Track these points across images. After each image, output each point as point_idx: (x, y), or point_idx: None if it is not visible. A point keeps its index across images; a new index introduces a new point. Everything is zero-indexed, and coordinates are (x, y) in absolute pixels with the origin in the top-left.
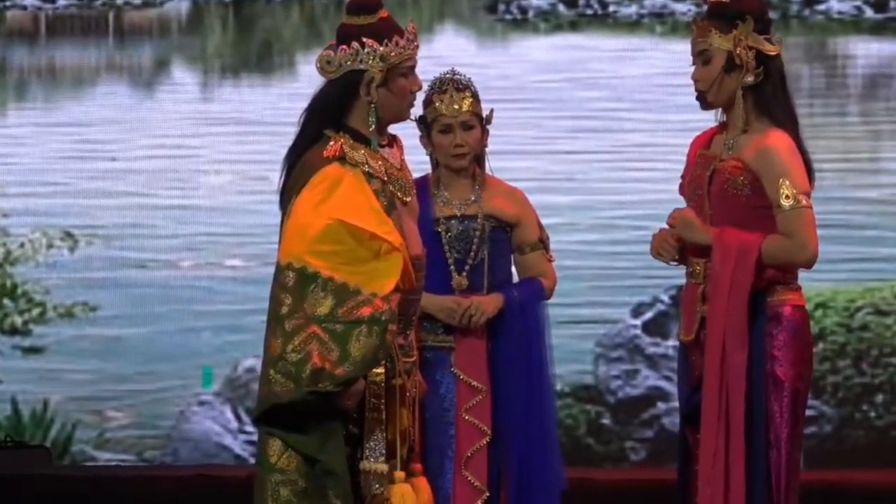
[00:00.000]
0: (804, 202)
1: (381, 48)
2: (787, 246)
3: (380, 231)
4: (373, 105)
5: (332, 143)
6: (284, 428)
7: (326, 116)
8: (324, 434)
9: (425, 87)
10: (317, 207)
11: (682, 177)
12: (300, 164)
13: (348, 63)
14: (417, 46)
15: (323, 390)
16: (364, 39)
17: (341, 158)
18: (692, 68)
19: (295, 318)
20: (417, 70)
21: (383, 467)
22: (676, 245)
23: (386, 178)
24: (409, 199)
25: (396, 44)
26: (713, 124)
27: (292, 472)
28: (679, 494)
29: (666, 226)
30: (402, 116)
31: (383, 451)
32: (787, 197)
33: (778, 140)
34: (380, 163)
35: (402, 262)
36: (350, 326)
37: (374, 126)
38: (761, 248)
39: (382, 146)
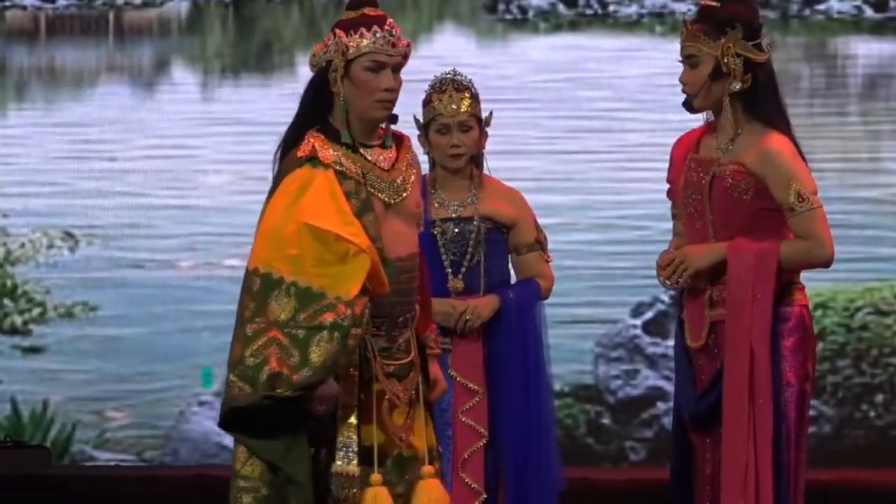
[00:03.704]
0: (816, 203)
1: (345, 39)
2: (807, 248)
3: (344, 233)
4: (341, 98)
5: (304, 142)
6: (250, 434)
7: (310, 113)
8: (288, 443)
9: (426, 86)
10: (285, 211)
11: (671, 181)
12: (280, 164)
13: (323, 56)
14: (394, 45)
15: (280, 395)
16: (337, 31)
17: (313, 158)
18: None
19: (256, 322)
20: (416, 70)
21: (354, 470)
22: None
23: (362, 179)
24: (397, 199)
25: (361, 35)
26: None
27: (255, 479)
28: (677, 495)
29: (661, 251)
30: (368, 114)
31: (355, 453)
32: (800, 199)
33: (779, 143)
34: (357, 163)
35: (370, 264)
36: (311, 332)
37: (345, 121)
38: (780, 255)
39: (371, 146)
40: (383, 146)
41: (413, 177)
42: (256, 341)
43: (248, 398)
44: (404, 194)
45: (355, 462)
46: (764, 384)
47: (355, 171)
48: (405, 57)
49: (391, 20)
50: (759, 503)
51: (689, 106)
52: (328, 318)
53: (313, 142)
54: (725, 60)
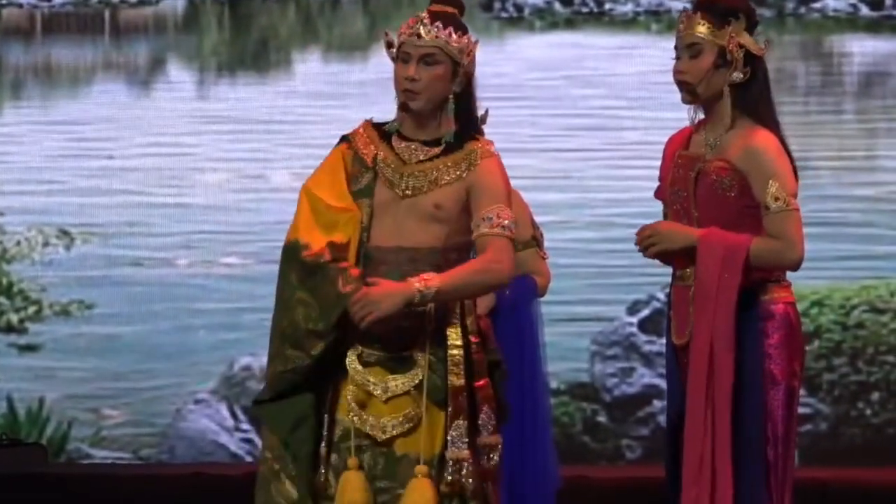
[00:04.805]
0: (792, 204)
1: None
2: (776, 247)
3: (335, 203)
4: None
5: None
6: (268, 407)
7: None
8: (297, 420)
9: None
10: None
11: (661, 179)
12: None
13: None
14: (419, 36)
15: (319, 353)
16: None
17: (345, 137)
18: (675, 60)
19: (286, 291)
20: None
21: (322, 451)
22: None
23: (371, 165)
24: (409, 193)
25: (400, 28)
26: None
27: (269, 450)
28: (672, 494)
29: (638, 231)
30: (400, 103)
31: (324, 434)
32: (776, 199)
33: (765, 140)
34: (376, 148)
35: (354, 229)
36: (315, 279)
37: (400, 109)
38: (749, 250)
39: (413, 139)
40: (438, 143)
41: (450, 179)
42: (289, 307)
43: (303, 361)
44: (418, 191)
45: (322, 443)
46: (724, 375)
47: (368, 155)
48: (437, 48)
49: (427, 13)
50: (714, 493)
51: (690, 94)
52: (317, 259)
53: (361, 124)
54: (730, 48)
